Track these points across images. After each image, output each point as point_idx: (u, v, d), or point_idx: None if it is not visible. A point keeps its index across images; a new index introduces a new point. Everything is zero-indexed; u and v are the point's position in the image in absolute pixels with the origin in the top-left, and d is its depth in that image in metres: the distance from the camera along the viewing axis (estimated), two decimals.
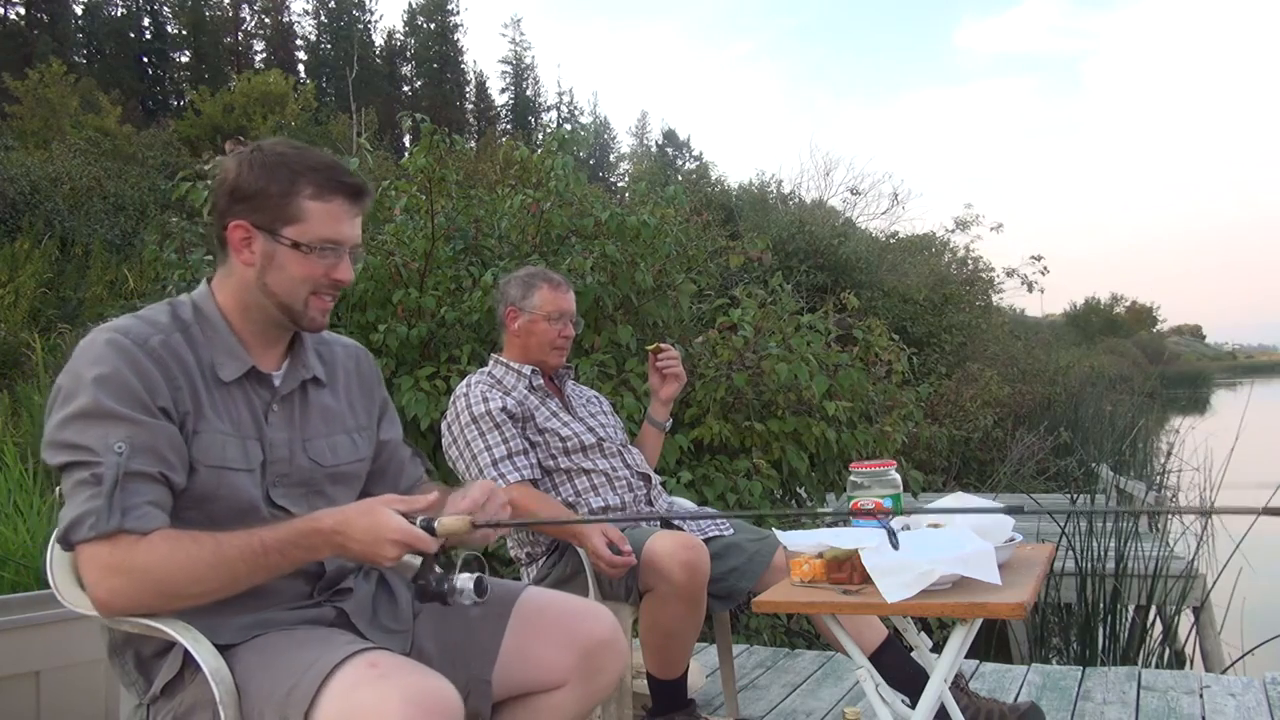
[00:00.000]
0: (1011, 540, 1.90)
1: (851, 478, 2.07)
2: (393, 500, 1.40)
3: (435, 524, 1.40)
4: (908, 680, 2.22)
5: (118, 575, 1.32)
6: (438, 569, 1.39)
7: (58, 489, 3.93)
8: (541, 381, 2.71)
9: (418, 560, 1.39)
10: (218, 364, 1.48)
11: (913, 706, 1.87)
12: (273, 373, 1.55)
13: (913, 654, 2.34)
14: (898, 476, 2.06)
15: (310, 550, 1.39)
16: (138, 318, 1.46)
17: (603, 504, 2.57)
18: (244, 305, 1.52)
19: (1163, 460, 10.28)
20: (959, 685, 2.44)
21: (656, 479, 2.78)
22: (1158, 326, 64.27)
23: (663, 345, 2.84)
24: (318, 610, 1.53)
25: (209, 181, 4.87)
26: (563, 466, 2.60)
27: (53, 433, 1.36)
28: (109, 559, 1.32)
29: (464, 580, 1.39)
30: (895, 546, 1.73)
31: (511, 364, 2.71)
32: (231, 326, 1.52)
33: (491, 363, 2.75)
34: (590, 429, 2.68)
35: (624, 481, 2.64)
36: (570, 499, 2.58)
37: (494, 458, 2.51)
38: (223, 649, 1.39)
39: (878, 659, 2.30)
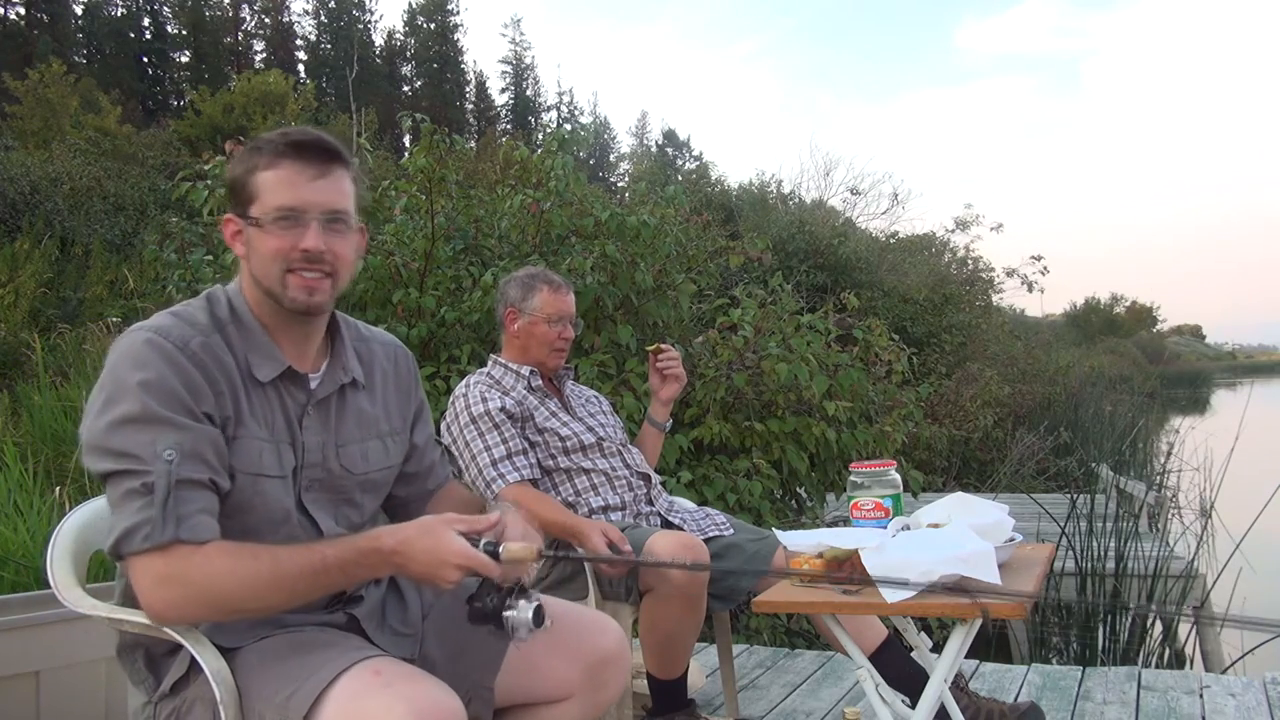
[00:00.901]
0: (1011, 540, 1.90)
1: (851, 478, 2.07)
2: (454, 520, 1.36)
3: (501, 549, 1.36)
4: (908, 680, 2.22)
5: (174, 587, 1.29)
6: (496, 595, 1.35)
7: (59, 492, 3.91)
8: (540, 382, 2.71)
9: (475, 581, 1.35)
10: (254, 364, 1.44)
11: (913, 706, 1.87)
12: (310, 374, 1.51)
13: (913, 654, 2.34)
14: (898, 476, 2.06)
15: (370, 569, 1.36)
16: (176, 316, 1.42)
17: (602, 504, 2.57)
18: (256, 299, 1.48)
19: (1163, 460, 10.27)
20: (959, 685, 2.44)
21: (656, 479, 2.78)
22: (1158, 326, 64.27)
23: (663, 345, 2.84)
24: (328, 615, 1.52)
25: (209, 181, 4.87)
26: (562, 466, 2.60)
27: (97, 438, 1.32)
28: (165, 570, 1.29)
29: (523, 608, 1.34)
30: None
31: (510, 364, 2.70)
32: (261, 324, 1.48)
33: (490, 363, 2.75)
34: (590, 428, 2.68)
35: (624, 481, 2.64)
36: (570, 499, 2.58)
37: (493, 458, 2.51)
38: (227, 650, 1.39)
39: (878, 659, 2.30)
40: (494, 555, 1.35)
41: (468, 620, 1.37)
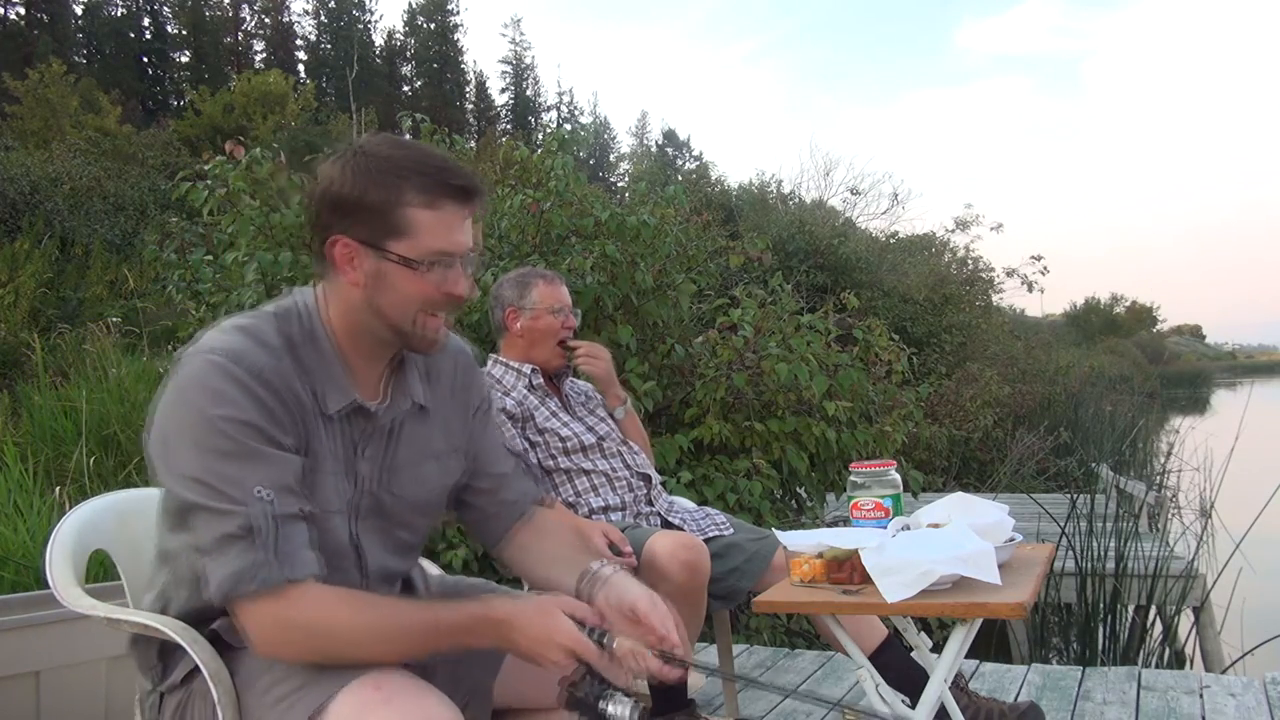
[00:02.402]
0: (1011, 540, 1.90)
1: (851, 478, 2.07)
2: (568, 604, 1.32)
3: (614, 644, 1.30)
4: (908, 680, 2.22)
5: (292, 630, 1.25)
6: (597, 685, 1.29)
7: (59, 492, 3.91)
8: (541, 380, 2.71)
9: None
10: (323, 394, 1.36)
11: (913, 706, 1.87)
12: (372, 402, 1.42)
13: (913, 654, 2.34)
14: (898, 476, 2.06)
15: (477, 638, 1.30)
16: (246, 334, 1.32)
17: (603, 504, 2.57)
18: (351, 327, 1.38)
19: (1163, 460, 10.27)
20: (959, 685, 2.44)
21: (656, 479, 2.78)
22: (1158, 326, 64.28)
23: (570, 343, 2.74)
24: None
25: (209, 181, 4.88)
26: (562, 466, 2.60)
27: (184, 469, 1.25)
28: (281, 613, 1.24)
29: (623, 704, 1.27)
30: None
31: (511, 363, 2.70)
32: (339, 350, 1.38)
33: (491, 362, 2.75)
34: (590, 428, 2.68)
35: (624, 482, 2.64)
36: (570, 499, 2.58)
37: None
38: (234, 649, 1.37)
39: (878, 659, 2.30)
40: (602, 644, 1.30)
41: (563, 706, 1.31)
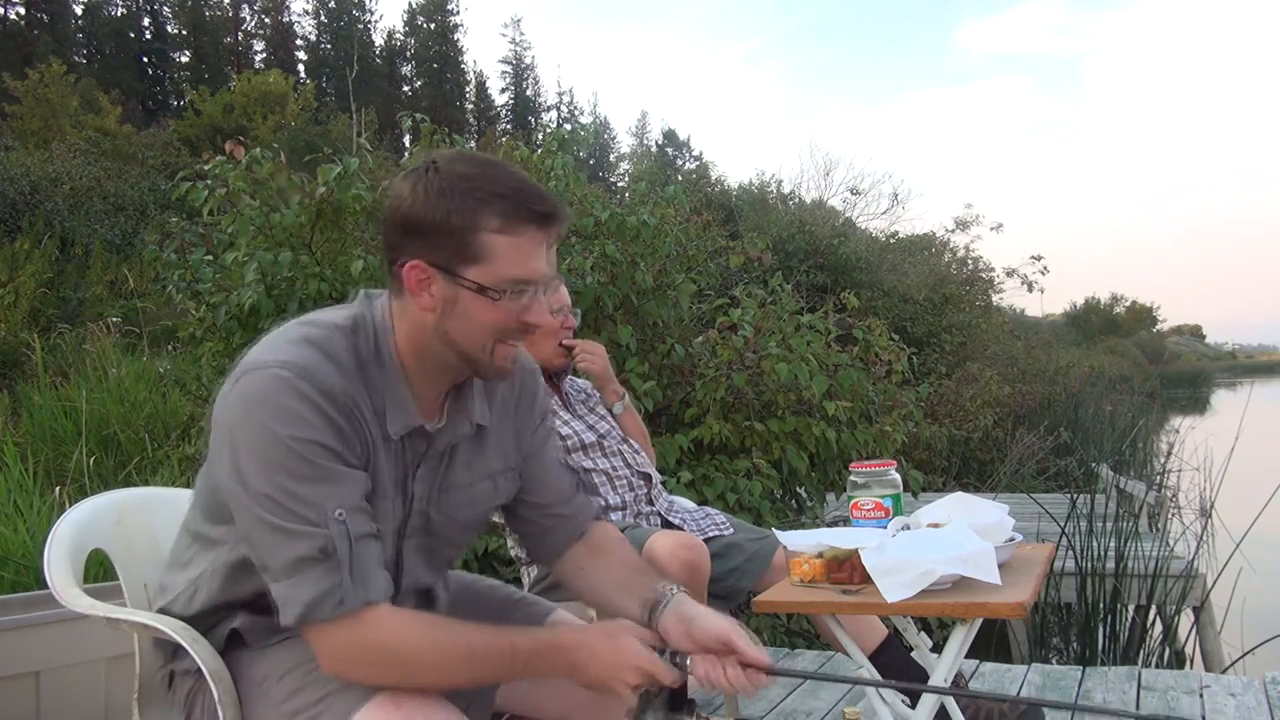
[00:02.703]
0: (1011, 540, 1.90)
1: (851, 478, 2.07)
2: (635, 629, 1.32)
3: (690, 662, 1.32)
4: (908, 680, 2.22)
5: (369, 653, 1.23)
6: (662, 711, 1.33)
7: (59, 492, 3.91)
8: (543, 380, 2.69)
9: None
10: (387, 415, 1.32)
11: (912, 706, 1.87)
12: (431, 423, 1.38)
13: (913, 654, 2.34)
14: (898, 476, 2.06)
15: (548, 666, 1.30)
16: (317, 349, 1.27)
17: (603, 504, 2.57)
18: (419, 350, 1.34)
19: (1163, 460, 10.28)
20: (957, 684, 2.44)
21: (657, 478, 2.78)
22: (1158, 326, 64.27)
23: (566, 342, 2.73)
24: None
25: (209, 181, 4.87)
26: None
27: (254, 482, 1.21)
28: (360, 637, 1.23)
29: None
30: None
31: None
32: (405, 372, 1.34)
33: None
34: (590, 426, 2.68)
35: (624, 481, 2.63)
36: None
37: None
38: (248, 647, 1.36)
39: (877, 659, 2.30)
40: (680, 666, 1.32)
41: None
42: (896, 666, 2.30)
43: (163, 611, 1.43)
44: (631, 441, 2.78)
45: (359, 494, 1.26)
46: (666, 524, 2.63)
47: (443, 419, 1.40)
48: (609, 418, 2.79)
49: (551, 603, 1.64)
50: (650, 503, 2.68)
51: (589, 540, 1.58)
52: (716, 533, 2.59)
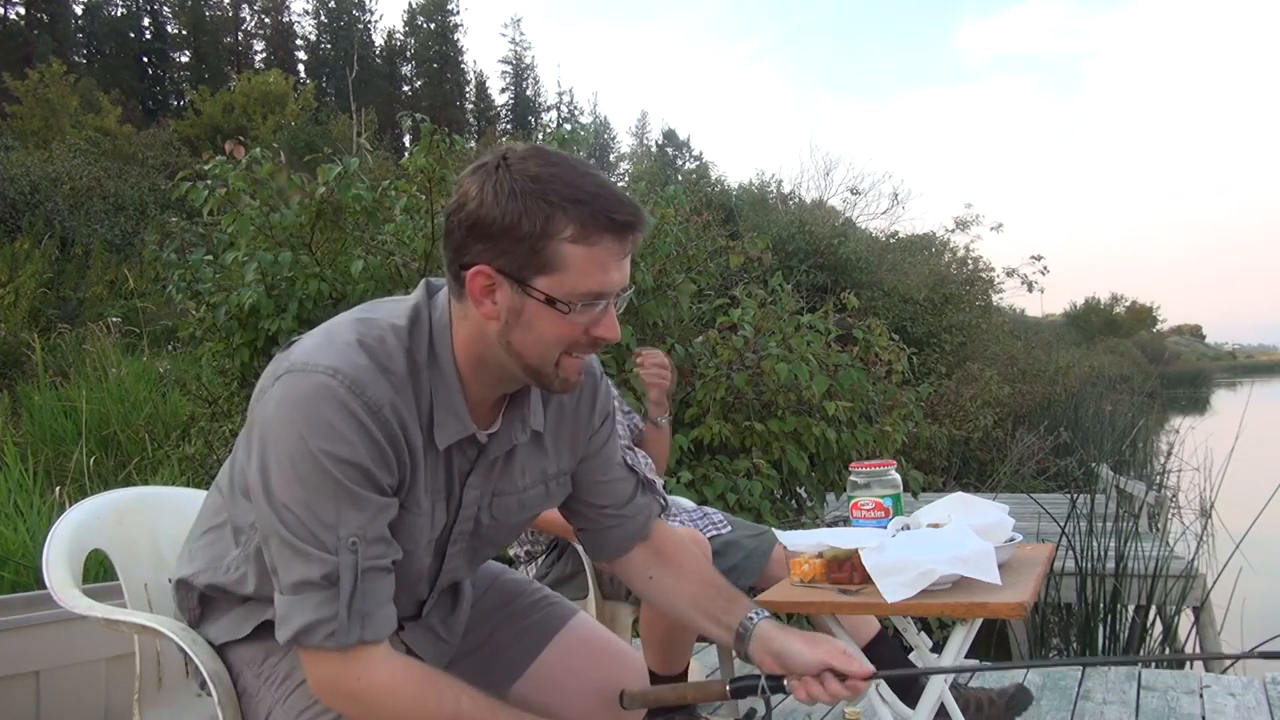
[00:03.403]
0: (1011, 540, 1.90)
1: (851, 477, 2.07)
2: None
3: (787, 684, 1.32)
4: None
5: (349, 692, 1.19)
6: None
7: (59, 492, 3.90)
8: None
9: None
10: (437, 423, 1.25)
11: (912, 707, 1.86)
12: (485, 431, 1.32)
13: (912, 654, 2.34)
14: (898, 476, 2.06)
15: None
16: (371, 357, 1.19)
17: (663, 503, 2.54)
18: (479, 359, 1.25)
19: (1163, 460, 10.28)
20: (957, 685, 2.44)
21: (658, 482, 2.77)
22: (1158, 326, 64.24)
23: (643, 351, 2.75)
24: None
25: (209, 181, 4.87)
26: None
27: (278, 489, 1.17)
28: (344, 674, 1.19)
29: None
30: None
31: None
32: (461, 378, 1.26)
33: None
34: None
35: None
36: None
37: None
38: (269, 644, 1.32)
39: (870, 654, 2.30)
40: (771, 688, 1.32)
41: None
42: (888, 660, 2.31)
43: (201, 585, 1.38)
44: (638, 449, 2.75)
45: (382, 523, 1.20)
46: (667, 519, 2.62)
47: (497, 425, 1.33)
48: (620, 420, 2.76)
49: (573, 604, 1.63)
50: None
51: (654, 544, 1.53)
52: (714, 532, 2.59)
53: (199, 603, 1.39)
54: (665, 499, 2.50)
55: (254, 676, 1.34)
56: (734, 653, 1.38)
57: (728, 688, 1.35)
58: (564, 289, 1.17)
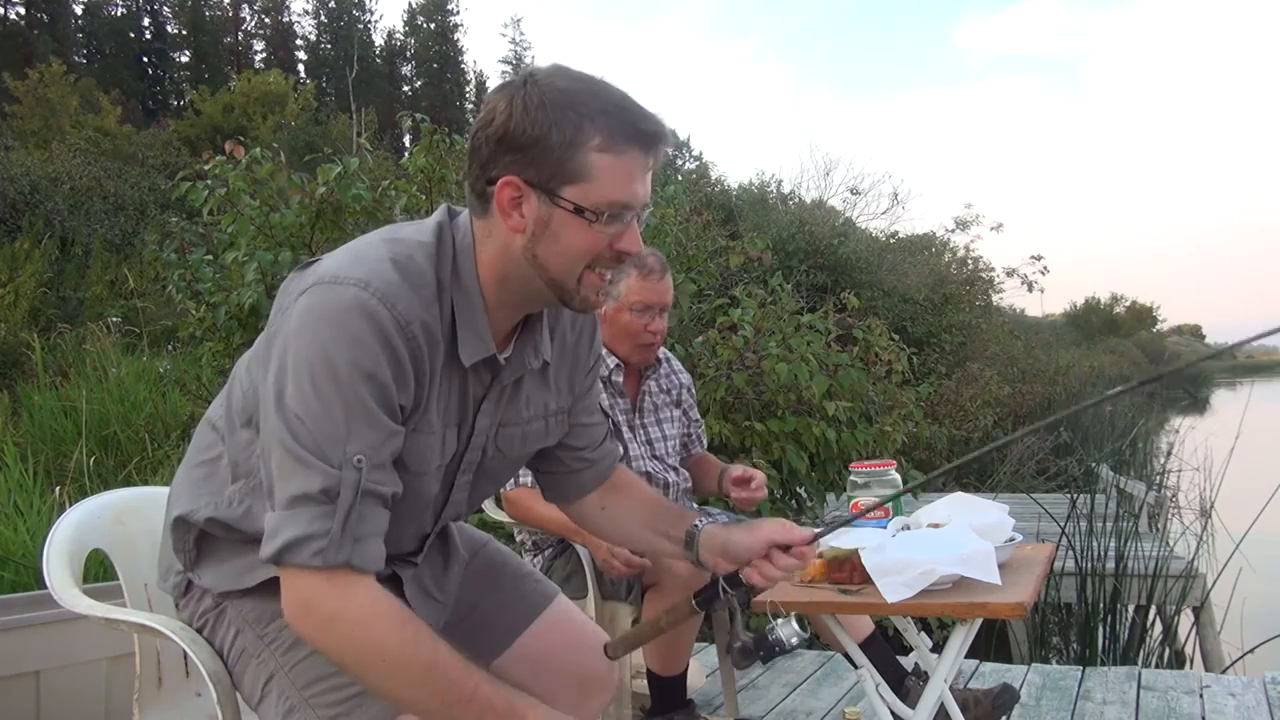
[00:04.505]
0: (1011, 540, 1.90)
1: (851, 477, 2.08)
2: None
3: (742, 577, 1.36)
4: (888, 676, 2.22)
5: (326, 616, 1.15)
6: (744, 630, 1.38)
7: (59, 492, 3.90)
8: (620, 379, 2.55)
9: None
10: (461, 341, 1.25)
11: (912, 706, 1.86)
12: (501, 355, 1.32)
13: (912, 654, 2.34)
14: (897, 476, 2.07)
15: None
16: (403, 272, 1.19)
17: (622, 450, 2.51)
18: (503, 275, 1.25)
19: (1163, 460, 10.27)
20: (919, 675, 2.45)
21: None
22: (1158, 326, 64.26)
23: (750, 473, 2.48)
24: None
25: (209, 181, 4.88)
26: None
27: (290, 398, 1.14)
28: (323, 595, 1.14)
29: (787, 628, 1.37)
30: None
31: (603, 345, 2.57)
32: (484, 299, 1.27)
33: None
34: (650, 440, 2.56)
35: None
36: None
37: None
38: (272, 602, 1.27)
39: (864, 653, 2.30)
40: (727, 595, 1.36)
41: (737, 660, 1.37)
42: (881, 660, 2.31)
43: (201, 521, 1.34)
44: (669, 459, 2.64)
45: (388, 450, 1.18)
46: None
47: (509, 351, 1.34)
48: (675, 432, 2.66)
49: (556, 585, 1.64)
50: None
51: (609, 480, 1.57)
52: None
53: (195, 544, 1.35)
54: (622, 451, 2.46)
55: (256, 637, 1.30)
56: (694, 561, 1.45)
57: (693, 601, 1.39)
58: (591, 198, 1.19)
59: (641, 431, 2.62)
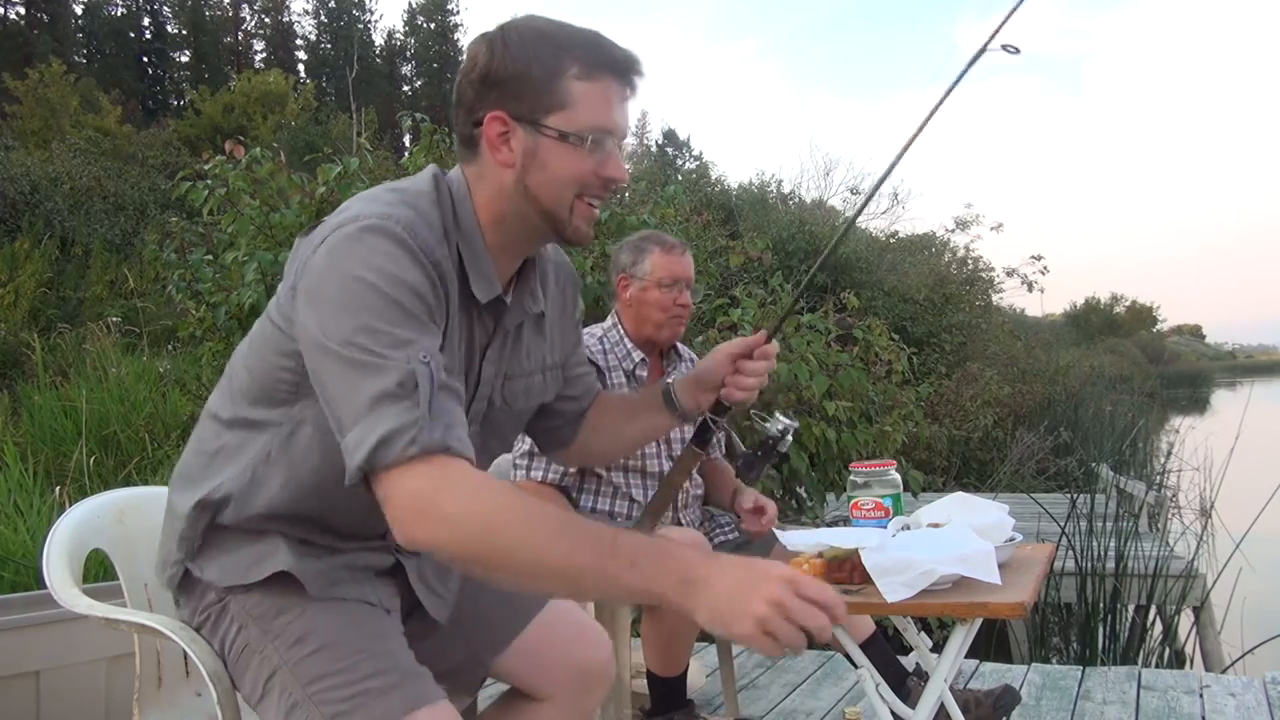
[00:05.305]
0: (1011, 540, 1.90)
1: (851, 477, 2.07)
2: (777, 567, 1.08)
3: (724, 393, 1.58)
4: (889, 677, 2.22)
5: (444, 502, 1.07)
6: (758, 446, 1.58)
7: (59, 492, 3.91)
8: (645, 374, 2.53)
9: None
10: (474, 280, 1.27)
11: (912, 706, 1.86)
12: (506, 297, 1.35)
13: (912, 654, 2.34)
14: (898, 476, 2.06)
15: (655, 571, 1.04)
16: (410, 208, 1.22)
17: (607, 510, 2.53)
18: (499, 215, 1.29)
19: (1163, 460, 10.28)
20: (920, 675, 2.44)
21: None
22: (1158, 326, 64.23)
23: (764, 505, 2.42)
24: (378, 555, 1.38)
25: (209, 181, 4.88)
26: (599, 474, 2.48)
27: (338, 330, 1.12)
28: (435, 483, 1.07)
29: (779, 423, 1.55)
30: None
31: (625, 338, 2.54)
32: (485, 241, 1.30)
33: (611, 321, 2.59)
34: (669, 439, 2.50)
35: (654, 484, 2.51)
36: (589, 511, 2.52)
37: (524, 449, 2.40)
38: (297, 595, 1.27)
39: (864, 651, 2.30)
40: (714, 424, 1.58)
41: (742, 468, 1.57)
42: (882, 660, 2.31)
43: (200, 506, 1.32)
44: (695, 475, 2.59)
45: (443, 360, 1.17)
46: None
47: (510, 297, 1.36)
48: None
49: None
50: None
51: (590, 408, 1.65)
52: (723, 537, 2.57)
53: (204, 533, 1.32)
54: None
55: (260, 632, 1.27)
56: (679, 415, 1.63)
57: (692, 446, 1.62)
58: (575, 124, 1.25)
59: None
